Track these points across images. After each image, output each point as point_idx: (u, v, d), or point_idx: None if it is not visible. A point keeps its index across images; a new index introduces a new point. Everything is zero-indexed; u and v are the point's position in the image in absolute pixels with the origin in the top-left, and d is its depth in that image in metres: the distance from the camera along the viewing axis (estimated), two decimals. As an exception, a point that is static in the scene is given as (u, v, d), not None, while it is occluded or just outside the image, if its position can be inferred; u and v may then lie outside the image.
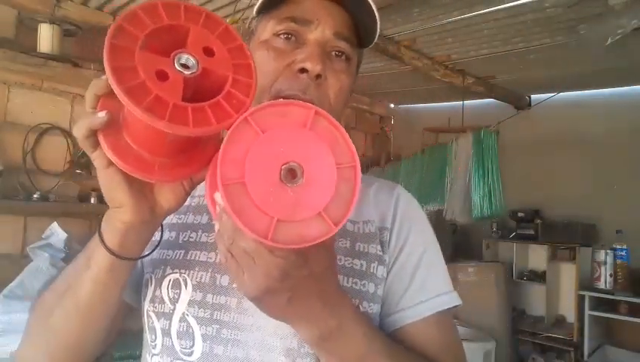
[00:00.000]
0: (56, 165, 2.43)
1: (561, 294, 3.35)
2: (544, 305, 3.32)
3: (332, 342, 0.53)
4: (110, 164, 0.49)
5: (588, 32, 2.14)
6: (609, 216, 3.23)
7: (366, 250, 0.67)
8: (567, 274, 3.27)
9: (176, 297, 0.64)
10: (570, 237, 3.19)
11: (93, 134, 0.47)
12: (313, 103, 0.60)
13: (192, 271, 0.65)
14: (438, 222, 3.65)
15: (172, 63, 0.43)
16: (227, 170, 0.41)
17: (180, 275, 0.65)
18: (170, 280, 0.66)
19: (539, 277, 3.41)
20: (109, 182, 0.50)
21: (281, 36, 0.65)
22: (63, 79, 2.40)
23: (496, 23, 2.31)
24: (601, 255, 2.97)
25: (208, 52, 0.45)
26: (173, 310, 0.64)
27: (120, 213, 0.53)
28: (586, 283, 3.05)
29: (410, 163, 3.61)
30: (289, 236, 0.41)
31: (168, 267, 0.67)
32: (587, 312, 2.97)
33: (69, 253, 2.17)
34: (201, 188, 0.68)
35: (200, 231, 0.69)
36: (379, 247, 0.68)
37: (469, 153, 3.14)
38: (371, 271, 0.66)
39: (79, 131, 0.47)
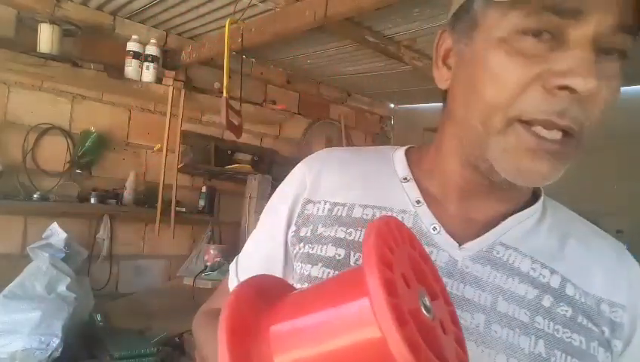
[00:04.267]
0: (56, 165, 2.43)
1: (561, 294, 3.35)
2: (544, 305, 3.33)
3: None
4: None
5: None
6: (609, 216, 3.23)
7: (588, 326, 0.52)
8: (567, 274, 3.28)
9: None
10: (570, 237, 3.19)
11: None
12: (572, 129, 0.46)
13: None
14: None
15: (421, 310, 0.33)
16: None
17: None
18: None
19: (539, 277, 3.41)
20: None
21: (532, 34, 0.45)
22: (63, 79, 2.40)
23: (496, 23, 2.30)
24: (601, 255, 2.97)
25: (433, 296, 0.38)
26: None
27: None
28: (586, 283, 3.05)
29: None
30: None
31: None
32: (587, 312, 2.98)
33: (69, 253, 2.17)
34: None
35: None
36: (606, 329, 0.53)
37: (469, 153, 3.14)
38: (591, 351, 0.52)
39: None
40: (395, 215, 0.57)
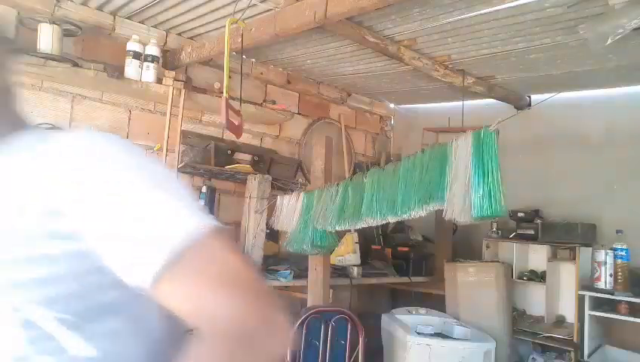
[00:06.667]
0: (56, 165, 2.43)
1: (561, 294, 3.34)
2: (544, 305, 3.32)
3: None
4: None
5: (588, 32, 2.13)
6: (609, 216, 3.23)
7: None
8: (567, 274, 3.27)
9: None
10: (570, 237, 3.18)
11: None
12: None
13: None
14: (438, 221, 3.64)
15: None
16: None
17: None
18: None
19: (539, 277, 3.40)
20: None
21: None
22: (63, 79, 2.40)
23: (496, 23, 2.30)
24: (601, 255, 2.96)
25: None
26: None
27: None
28: (586, 283, 3.04)
29: (410, 162, 3.61)
30: None
31: None
32: (587, 312, 2.97)
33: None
34: None
35: None
36: None
37: (469, 153, 3.13)
38: None
39: None
40: None
